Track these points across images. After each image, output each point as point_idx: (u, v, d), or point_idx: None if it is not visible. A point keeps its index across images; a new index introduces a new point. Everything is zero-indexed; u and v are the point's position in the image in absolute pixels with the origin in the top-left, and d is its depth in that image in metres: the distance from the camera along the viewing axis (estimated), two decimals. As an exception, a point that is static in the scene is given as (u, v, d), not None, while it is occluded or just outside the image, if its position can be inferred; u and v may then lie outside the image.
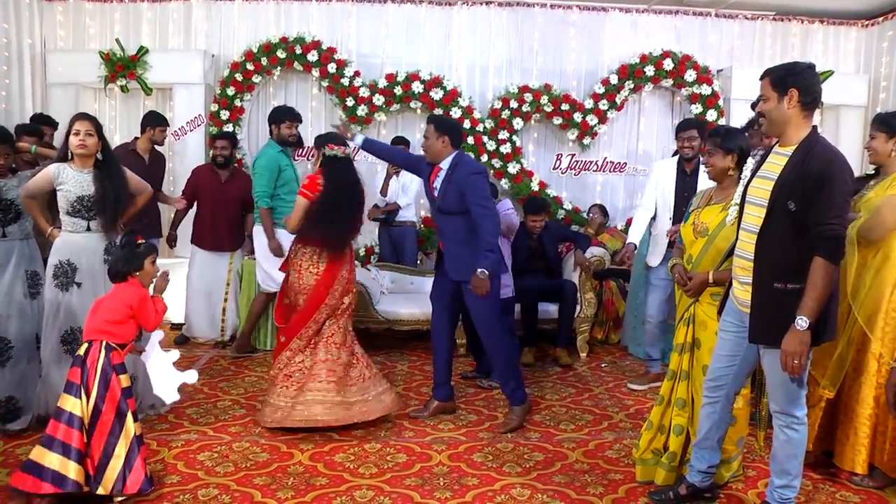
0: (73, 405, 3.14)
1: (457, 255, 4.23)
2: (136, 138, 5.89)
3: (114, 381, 3.21)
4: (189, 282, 6.01)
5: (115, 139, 6.61)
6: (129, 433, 3.20)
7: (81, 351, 3.25)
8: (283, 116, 5.54)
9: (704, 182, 4.17)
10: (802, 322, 2.63)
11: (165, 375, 3.61)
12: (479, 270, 4.01)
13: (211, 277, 6.00)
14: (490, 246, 4.06)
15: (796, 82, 2.75)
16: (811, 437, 3.54)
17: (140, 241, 3.49)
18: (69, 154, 3.91)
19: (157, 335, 3.58)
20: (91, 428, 3.15)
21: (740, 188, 3.08)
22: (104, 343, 3.24)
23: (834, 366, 3.47)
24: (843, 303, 3.50)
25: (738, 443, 3.44)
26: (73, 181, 3.86)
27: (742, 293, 2.93)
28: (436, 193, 4.29)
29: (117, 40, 6.70)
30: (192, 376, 3.77)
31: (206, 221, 5.92)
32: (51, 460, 3.07)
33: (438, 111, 6.77)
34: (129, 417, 3.22)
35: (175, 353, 3.98)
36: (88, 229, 3.92)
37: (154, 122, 5.81)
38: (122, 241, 3.54)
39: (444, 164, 4.27)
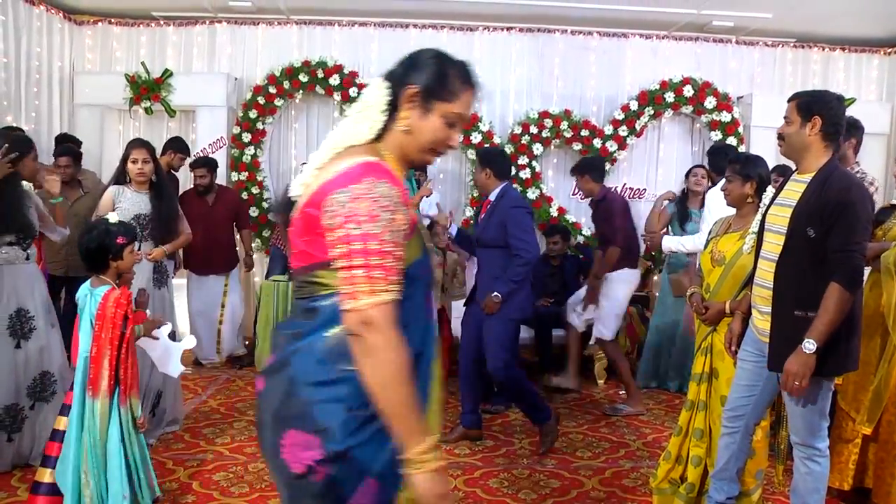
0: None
1: (490, 288, 4.26)
2: None
3: None
4: (189, 307, 6.06)
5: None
6: None
7: None
8: None
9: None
10: (810, 345, 2.60)
11: (166, 353, 3.49)
12: (493, 294, 4.15)
13: (209, 300, 6.03)
14: (517, 276, 4.18)
15: (821, 110, 2.75)
16: (846, 475, 3.48)
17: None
18: (126, 177, 4.11)
19: (166, 328, 3.47)
20: None
21: (758, 216, 3.07)
22: None
23: (871, 401, 3.40)
24: (877, 336, 3.45)
25: (757, 475, 3.38)
26: (131, 201, 4.06)
27: (762, 322, 2.90)
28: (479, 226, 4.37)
29: (143, 63, 6.82)
30: (190, 342, 3.65)
31: (198, 246, 5.90)
32: (47, 475, 3.04)
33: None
34: None
35: (191, 340, 3.84)
36: (139, 249, 3.99)
37: (177, 147, 5.86)
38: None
39: (492, 197, 4.36)
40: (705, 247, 3.49)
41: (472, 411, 4.51)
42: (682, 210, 5.60)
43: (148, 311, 3.40)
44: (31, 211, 3.85)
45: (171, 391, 4.28)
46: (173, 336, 3.42)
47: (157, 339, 3.31)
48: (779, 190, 2.96)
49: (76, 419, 2.96)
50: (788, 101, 2.87)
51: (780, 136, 2.89)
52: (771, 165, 3.71)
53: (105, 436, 2.92)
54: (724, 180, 3.44)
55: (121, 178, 4.18)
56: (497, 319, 4.24)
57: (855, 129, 3.90)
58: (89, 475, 2.90)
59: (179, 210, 4.39)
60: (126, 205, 4.05)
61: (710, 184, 5.39)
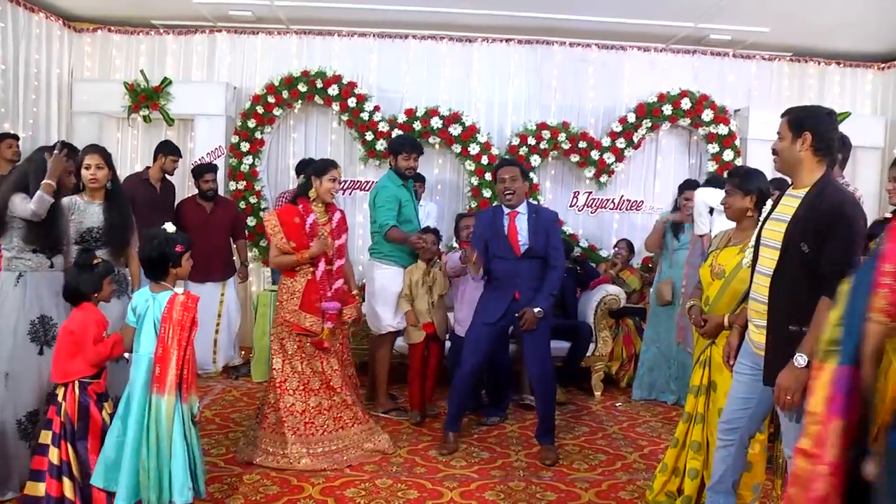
0: (50, 438, 3.15)
1: (532, 299, 4.31)
2: (148, 167, 5.94)
3: (93, 411, 3.19)
4: None
5: (137, 168, 6.69)
6: None
7: (60, 394, 3.18)
8: (402, 147, 5.10)
9: None
10: (801, 359, 2.59)
11: None
12: (537, 309, 4.23)
13: (206, 309, 5.99)
14: (555, 290, 4.34)
15: (812, 126, 2.75)
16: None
17: (96, 261, 3.36)
18: (80, 185, 3.98)
19: None
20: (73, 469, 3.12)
21: (756, 230, 3.08)
22: (77, 382, 3.17)
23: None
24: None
25: (755, 489, 3.38)
26: (84, 213, 3.91)
27: (757, 336, 2.91)
28: (519, 237, 4.33)
29: (142, 71, 6.83)
30: None
31: (195, 254, 5.85)
32: (43, 488, 3.08)
33: (457, 147, 6.82)
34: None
35: None
36: None
37: (166, 150, 5.83)
38: (77, 261, 3.39)
39: (522, 209, 4.38)
40: (705, 259, 3.50)
41: (460, 417, 4.59)
42: (676, 222, 5.67)
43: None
44: (63, 223, 3.82)
45: None
46: None
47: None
48: (774, 204, 2.97)
49: (138, 417, 3.06)
50: (781, 116, 2.88)
51: (774, 151, 2.91)
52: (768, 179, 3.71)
53: (170, 431, 3.06)
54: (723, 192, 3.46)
55: (76, 187, 4.00)
56: (540, 331, 4.31)
57: (842, 144, 3.91)
58: (151, 471, 3.02)
59: (134, 222, 4.15)
60: (79, 217, 3.89)
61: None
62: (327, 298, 4.23)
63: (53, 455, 3.10)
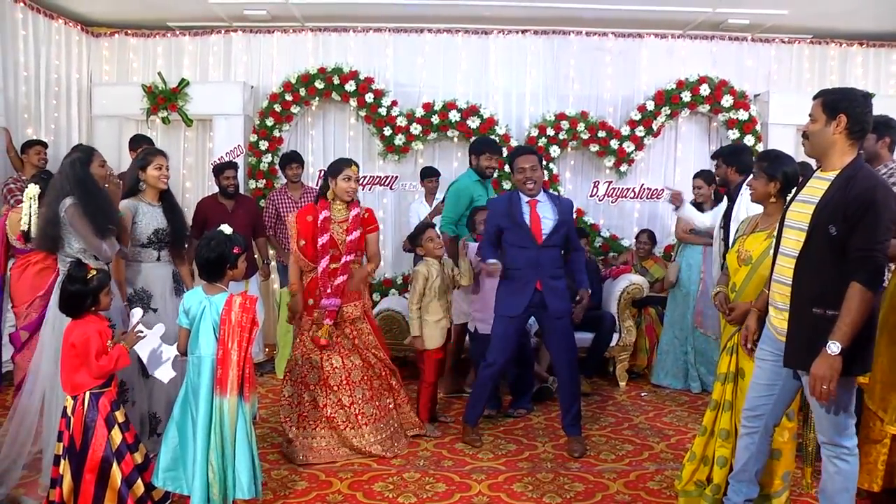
0: (61, 450, 3.13)
1: (557, 289, 4.30)
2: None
3: (98, 432, 3.10)
4: None
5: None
6: (114, 485, 3.09)
7: (69, 406, 3.12)
8: (483, 147, 5.31)
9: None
10: (834, 347, 2.56)
11: (156, 354, 3.40)
12: (588, 290, 4.41)
13: None
14: (585, 269, 4.49)
15: (847, 108, 2.70)
16: (876, 476, 3.41)
17: (91, 272, 3.20)
18: (139, 188, 4.03)
19: (159, 328, 3.40)
20: (76, 484, 3.08)
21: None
22: (87, 394, 3.11)
23: None
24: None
25: (784, 477, 3.34)
26: (149, 215, 3.99)
27: (779, 321, 2.87)
28: (543, 225, 4.27)
29: (159, 73, 6.88)
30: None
31: None
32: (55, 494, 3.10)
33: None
34: (115, 468, 3.09)
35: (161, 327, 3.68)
36: (158, 259, 4.04)
37: (135, 146, 5.86)
38: (71, 273, 3.23)
39: (542, 198, 4.36)
40: (732, 245, 3.46)
41: (481, 413, 4.59)
42: (697, 208, 5.66)
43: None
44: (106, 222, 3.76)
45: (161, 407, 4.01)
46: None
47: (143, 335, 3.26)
48: (800, 186, 2.93)
49: (205, 418, 3.10)
50: (814, 98, 2.82)
51: (805, 135, 2.86)
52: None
53: (234, 430, 3.10)
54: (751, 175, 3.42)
55: (135, 188, 4.04)
56: (564, 321, 4.31)
57: (889, 128, 3.84)
58: (216, 469, 3.07)
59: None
60: (145, 220, 3.96)
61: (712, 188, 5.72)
62: (327, 295, 4.20)
63: (62, 467, 3.09)
